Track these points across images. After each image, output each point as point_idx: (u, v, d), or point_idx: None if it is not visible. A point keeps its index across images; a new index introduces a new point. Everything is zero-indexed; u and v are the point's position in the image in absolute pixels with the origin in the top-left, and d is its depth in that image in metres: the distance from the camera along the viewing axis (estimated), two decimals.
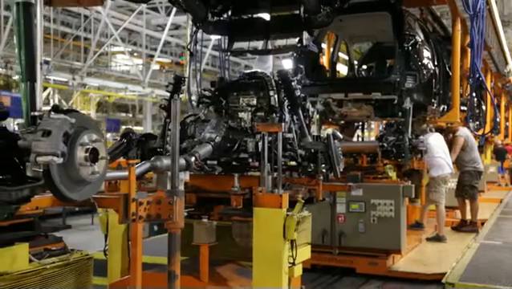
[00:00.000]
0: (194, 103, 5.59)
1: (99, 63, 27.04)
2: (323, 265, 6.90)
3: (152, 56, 28.69)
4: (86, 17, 25.36)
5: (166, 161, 3.86)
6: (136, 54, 31.45)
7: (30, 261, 2.71)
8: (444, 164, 8.56)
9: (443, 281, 5.13)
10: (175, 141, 2.98)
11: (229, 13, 5.41)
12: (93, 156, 2.47)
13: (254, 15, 5.57)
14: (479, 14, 7.47)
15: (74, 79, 24.96)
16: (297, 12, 5.15)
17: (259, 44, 5.51)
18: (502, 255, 6.26)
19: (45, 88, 27.26)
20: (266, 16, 5.47)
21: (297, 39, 5.41)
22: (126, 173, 2.92)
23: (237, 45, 5.61)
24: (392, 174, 7.38)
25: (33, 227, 2.81)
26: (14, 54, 23.03)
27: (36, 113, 2.37)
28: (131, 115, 35.94)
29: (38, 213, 2.79)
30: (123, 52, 30.53)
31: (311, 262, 6.25)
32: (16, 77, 23.53)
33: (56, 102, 27.37)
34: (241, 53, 5.87)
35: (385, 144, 7.30)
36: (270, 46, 5.50)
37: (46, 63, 23.25)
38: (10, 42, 22.53)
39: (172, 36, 30.33)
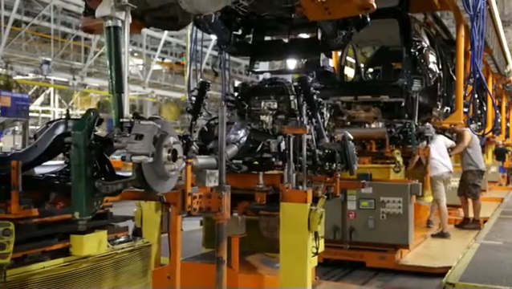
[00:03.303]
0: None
1: (99, 63, 27.18)
2: (334, 259, 7.19)
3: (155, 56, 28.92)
4: None
5: (201, 160, 4.21)
6: (136, 54, 31.66)
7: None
8: (439, 164, 8.86)
9: (443, 281, 5.18)
10: (222, 143, 3.33)
11: (251, 35, 5.75)
12: (173, 155, 2.87)
13: (274, 38, 5.89)
14: (479, 14, 7.59)
15: (74, 79, 25.14)
16: (315, 35, 5.44)
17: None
18: (503, 255, 6.23)
19: (45, 88, 27.51)
20: (286, 39, 5.72)
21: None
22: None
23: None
24: (400, 159, 7.72)
25: (106, 217, 3.18)
26: (14, 54, 23.14)
27: (124, 120, 2.74)
28: (131, 115, 36.09)
29: (109, 205, 3.15)
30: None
31: (324, 257, 6.52)
32: (16, 77, 23.67)
33: (56, 102, 27.63)
34: (262, 72, 6.21)
35: (393, 130, 7.66)
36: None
37: (47, 63, 23.44)
38: (10, 42, 22.66)
39: (172, 36, 30.56)
